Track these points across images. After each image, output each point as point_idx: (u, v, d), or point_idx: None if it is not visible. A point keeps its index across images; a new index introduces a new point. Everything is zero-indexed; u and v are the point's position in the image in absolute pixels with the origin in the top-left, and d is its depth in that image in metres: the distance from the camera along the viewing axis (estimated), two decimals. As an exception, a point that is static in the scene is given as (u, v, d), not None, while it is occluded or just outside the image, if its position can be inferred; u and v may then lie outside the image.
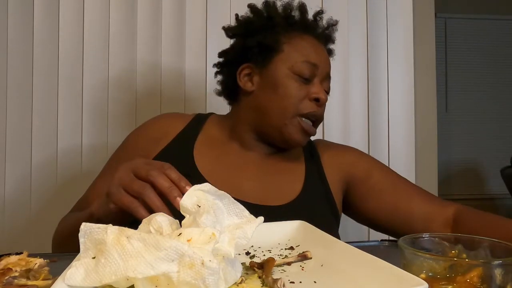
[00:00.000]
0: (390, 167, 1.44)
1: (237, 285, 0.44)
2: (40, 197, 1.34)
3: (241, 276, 0.45)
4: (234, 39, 0.99)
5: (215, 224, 0.45)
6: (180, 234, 0.42)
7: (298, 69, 0.88)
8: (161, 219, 0.48)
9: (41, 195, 1.34)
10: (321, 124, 1.43)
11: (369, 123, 1.46)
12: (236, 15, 0.98)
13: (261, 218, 0.49)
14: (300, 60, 0.88)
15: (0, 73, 1.34)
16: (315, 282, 0.45)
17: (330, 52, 0.99)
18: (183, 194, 0.54)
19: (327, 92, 0.92)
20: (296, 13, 0.95)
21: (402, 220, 0.87)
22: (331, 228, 0.90)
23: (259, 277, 0.47)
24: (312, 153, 0.98)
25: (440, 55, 3.54)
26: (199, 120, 0.97)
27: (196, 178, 0.83)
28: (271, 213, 0.81)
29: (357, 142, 1.45)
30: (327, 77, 0.92)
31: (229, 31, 0.99)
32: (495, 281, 0.40)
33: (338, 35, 1.01)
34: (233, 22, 1.00)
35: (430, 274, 0.42)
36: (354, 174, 0.94)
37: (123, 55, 1.36)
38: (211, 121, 0.98)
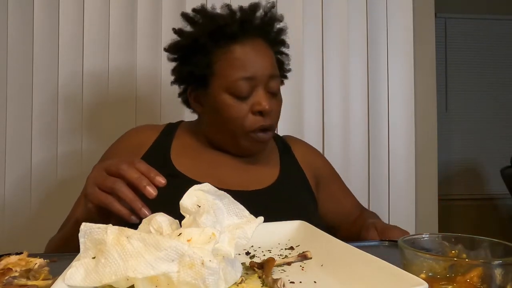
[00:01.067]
0: (390, 167, 1.47)
1: (237, 285, 0.44)
2: (40, 197, 1.34)
3: (241, 276, 0.45)
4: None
5: (215, 224, 0.45)
6: (180, 234, 0.42)
7: (233, 90, 0.86)
8: (161, 219, 0.48)
9: (41, 195, 1.34)
10: (321, 124, 1.45)
11: (369, 123, 1.46)
12: (173, 29, 0.95)
13: (261, 218, 0.49)
14: (234, 79, 0.86)
15: (0, 72, 1.34)
16: (315, 282, 0.46)
17: (275, 42, 0.94)
18: (153, 184, 0.60)
19: (276, 93, 0.90)
20: (224, 21, 0.89)
21: (343, 218, 1.02)
22: (311, 210, 0.93)
23: (259, 277, 0.47)
24: (284, 145, 1.03)
25: (440, 55, 3.53)
26: (171, 128, 1.00)
27: (177, 177, 0.86)
28: (253, 197, 0.86)
29: (357, 142, 1.45)
30: (270, 79, 0.88)
31: (169, 53, 0.97)
32: (495, 281, 0.40)
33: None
34: None
35: (430, 274, 0.42)
36: (320, 177, 1.02)
37: (123, 55, 1.36)
38: (182, 127, 1.01)
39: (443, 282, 0.41)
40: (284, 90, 1.44)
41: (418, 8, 1.50)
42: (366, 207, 1.43)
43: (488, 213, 3.54)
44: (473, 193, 3.61)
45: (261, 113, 0.87)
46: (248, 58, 0.87)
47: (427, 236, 0.49)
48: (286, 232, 0.64)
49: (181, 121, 1.04)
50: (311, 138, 1.41)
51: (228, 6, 0.93)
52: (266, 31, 0.93)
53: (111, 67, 1.36)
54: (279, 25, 0.96)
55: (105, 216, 0.64)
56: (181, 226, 0.48)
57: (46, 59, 1.35)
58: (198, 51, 0.89)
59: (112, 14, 1.36)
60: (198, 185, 0.50)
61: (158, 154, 0.92)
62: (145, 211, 0.60)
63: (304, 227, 0.64)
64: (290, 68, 1.04)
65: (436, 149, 1.53)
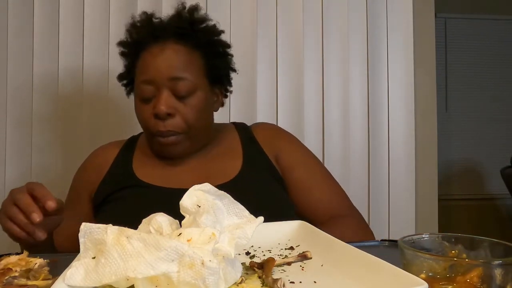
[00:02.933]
0: (390, 167, 1.47)
1: (237, 285, 0.44)
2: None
3: (241, 276, 0.45)
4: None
5: (215, 224, 0.45)
6: (180, 234, 0.42)
7: (138, 93, 0.91)
8: (161, 219, 0.48)
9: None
10: (321, 123, 1.45)
11: (369, 123, 1.46)
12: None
13: (261, 218, 0.49)
14: (137, 83, 0.90)
15: (0, 72, 1.34)
16: (315, 282, 0.45)
17: (199, 44, 0.92)
18: (45, 207, 0.65)
19: (183, 95, 0.88)
20: (136, 30, 0.94)
21: (310, 214, 0.92)
22: (278, 194, 0.92)
23: (259, 277, 0.47)
24: (247, 133, 1.01)
25: (440, 55, 3.53)
26: (132, 141, 1.03)
27: (141, 186, 0.90)
28: None
29: (357, 142, 1.45)
30: (173, 81, 0.87)
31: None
32: (495, 281, 0.40)
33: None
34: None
35: (430, 274, 0.42)
36: (280, 161, 0.96)
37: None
38: (142, 138, 1.03)
39: (443, 282, 0.41)
40: (284, 90, 1.45)
41: (418, 8, 1.50)
42: (366, 207, 1.43)
43: (488, 213, 3.54)
44: (473, 193, 3.61)
45: (156, 116, 0.87)
46: (150, 62, 0.89)
47: (427, 236, 0.49)
48: (286, 232, 0.64)
49: (142, 132, 1.04)
50: (311, 138, 1.41)
51: (145, 14, 0.96)
52: (183, 34, 0.91)
53: (111, 66, 1.36)
54: (203, 26, 0.95)
55: (26, 242, 0.69)
56: (181, 226, 0.48)
57: (46, 59, 1.35)
58: (129, 64, 0.96)
59: (112, 14, 1.36)
60: (198, 185, 0.50)
61: (121, 168, 0.96)
62: (39, 234, 0.67)
63: (304, 227, 0.64)
64: (234, 68, 1.01)
65: (436, 149, 1.53)
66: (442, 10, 3.29)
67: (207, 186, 0.50)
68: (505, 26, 3.65)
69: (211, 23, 0.96)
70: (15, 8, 1.35)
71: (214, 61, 0.95)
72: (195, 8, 0.95)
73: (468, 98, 3.63)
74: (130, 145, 1.02)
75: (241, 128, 1.04)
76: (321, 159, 1.40)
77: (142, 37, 0.92)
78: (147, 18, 0.95)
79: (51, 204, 0.65)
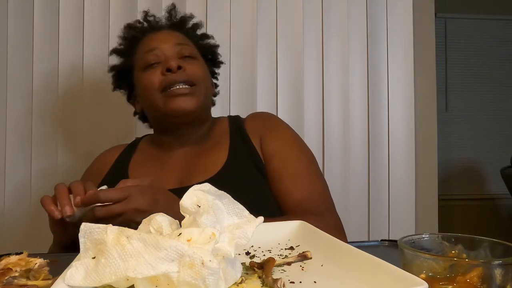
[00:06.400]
0: (390, 167, 1.47)
1: (237, 285, 0.44)
2: (40, 197, 1.34)
3: (241, 276, 0.45)
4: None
5: (215, 224, 0.45)
6: (180, 234, 0.42)
7: (143, 62, 0.96)
8: (161, 219, 0.48)
9: (41, 195, 1.34)
10: (321, 124, 1.45)
11: (369, 123, 1.46)
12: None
13: (261, 218, 0.49)
14: (141, 56, 0.97)
15: (0, 72, 1.34)
16: (315, 282, 0.45)
17: (182, 29, 1.04)
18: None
19: (189, 56, 0.97)
20: (135, 25, 1.05)
21: (281, 204, 0.90)
22: (261, 186, 0.90)
23: (259, 277, 0.47)
24: (237, 125, 1.01)
25: (440, 55, 3.53)
26: (134, 143, 1.08)
27: None
28: None
29: (357, 142, 1.45)
30: (177, 46, 0.96)
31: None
32: (495, 281, 0.40)
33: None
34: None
35: (430, 274, 0.42)
36: (263, 148, 0.95)
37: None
38: (144, 140, 1.08)
39: (443, 282, 0.41)
40: (284, 89, 1.45)
41: (418, 8, 1.50)
42: (366, 207, 1.43)
43: (488, 213, 3.54)
44: (473, 193, 3.61)
45: (169, 70, 0.92)
46: (151, 39, 0.99)
47: (427, 236, 0.49)
48: (286, 232, 0.64)
49: (146, 134, 1.10)
50: (311, 138, 1.41)
51: (145, 12, 1.08)
52: (171, 23, 1.05)
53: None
54: (190, 21, 1.08)
55: (65, 230, 0.74)
56: (181, 226, 0.48)
57: (46, 59, 1.35)
58: (124, 59, 1.04)
59: (112, 14, 1.36)
60: (198, 185, 0.50)
61: (118, 170, 0.99)
62: (67, 210, 0.68)
63: (304, 227, 0.64)
64: (222, 61, 1.14)
65: (436, 149, 1.53)
66: (442, 10, 3.30)
67: (207, 186, 0.50)
68: (505, 26, 3.66)
69: (196, 20, 1.10)
70: (15, 8, 1.35)
71: (205, 51, 1.05)
72: (173, 7, 1.08)
73: (468, 98, 3.64)
74: (131, 147, 1.06)
75: (232, 119, 1.05)
76: (321, 159, 1.40)
77: (138, 31, 1.03)
78: (143, 16, 1.06)
79: (66, 210, 0.69)
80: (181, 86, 0.92)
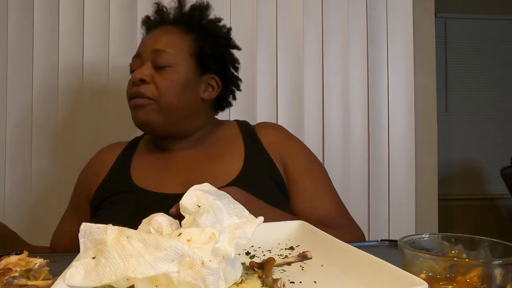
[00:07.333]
0: (390, 167, 1.47)
1: (237, 285, 0.44)
2: (40, 197, 1.34)
3: (241, 276, 0.45)
4: None
5: (215, 224, 0.45)
6: (180, 234, 0.42)
7: (130, 68, 0.96)
8: (161, 219, 0.48)
9: (41, 195, 1.34)
10: (321, 124, 1.44)
11: (369, 123, 1.46)
12: None
13: (261, 218, 0.49)
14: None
15: (1, 72, 1.34)
16: (315, 282, 0.45)
17: (190, 26, 0.98)
18: None
19: (160, 66, 0.91)
20: (147, 19, 1.04)
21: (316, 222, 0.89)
22: (278, 200, 0.89)
23: (259, 277, 0.47)
24: (250, 132, 0.99)
25: (440, 55, 3.53)
26: (134, 143, 1.05)
27: (136, 191, 0.89)
28: None
29: (357, 142, 1.45)
30: (154, 53, 0.92)
31: None
32: (495, 281, 0.40)
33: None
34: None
35: (430, 274, 0.42)
36: (289, 169, 0.94)
37: (123, 56, 1.36)
38: (144, 139, 1.05)
39: (443, 282, 0.41)
40: (284, 90, 1.45)
41: (418, 8, 1.50)
42: (366, 207, 1.43)
43: (488, 213, 3.54)
44: (473, 193, 3.61)
45: (133, 82, 0.91)
46: (143, 40, 0.98)
47: (427, 236, 0.49)
48: (286, 232, 0.64)
49: (145, 134, 1.06)
50: (311, 138, 1.41)
51: (156, 4, 1.04)
52: (180, 18, 1.00)
53: (111, 67, 1.36)
54: (197, 11, 1.02)
55: None
56: (181, 226, 0.48)
57: (45, 59, 1.35)
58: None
59: (112, 14, 1.36)
60: (198, 185, 0.50)
61: (119, 172, 0.96)
62: None
63: (304, 227, 0.64)
64: (229, 59, 1.05)
65: (436, 149, 1.53)
66: (442, 10, 3.30)
67: (207, 186, 0.50)
68: (505, 26, 3.65)
69: (209, 12, 1.03)
70: (15, 8, 1.35)
71: (204, 46, 0.96)
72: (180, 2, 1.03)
73: (468, 98, 3.63)
74: (131, 147, 1.03)
75: (242, 125, 1.02)
76: (321, 159, 1.40)
77: (146, 28, 1.03)
78: (156, 8, 1.04)
79: None
80: (138, 99, 0.90)
